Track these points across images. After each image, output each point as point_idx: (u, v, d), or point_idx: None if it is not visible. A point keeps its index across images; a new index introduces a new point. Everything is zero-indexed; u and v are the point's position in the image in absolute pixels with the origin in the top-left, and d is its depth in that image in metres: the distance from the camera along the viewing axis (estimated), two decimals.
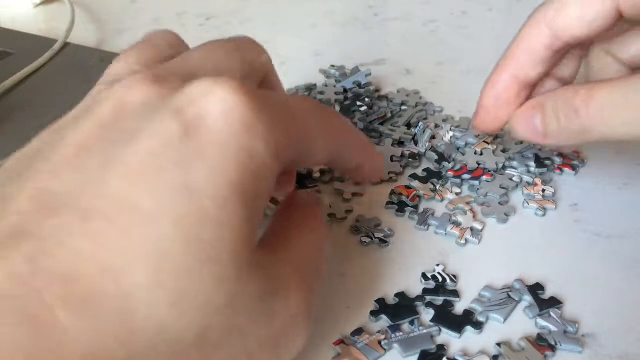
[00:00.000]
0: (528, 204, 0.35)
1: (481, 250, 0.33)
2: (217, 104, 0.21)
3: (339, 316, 0.29)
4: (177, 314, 0.18)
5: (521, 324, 0.29)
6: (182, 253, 0.19)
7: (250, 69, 0.27)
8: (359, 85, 0.44)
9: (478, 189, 0.36)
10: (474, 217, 0.34)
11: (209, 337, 0.19)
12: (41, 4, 0.62)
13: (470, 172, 0.37)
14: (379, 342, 0.28)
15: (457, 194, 0.36)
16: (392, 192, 0.36)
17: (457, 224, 0.34)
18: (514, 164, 0.37)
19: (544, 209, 0.35)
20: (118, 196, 0.19)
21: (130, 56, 0.25)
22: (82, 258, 0.18)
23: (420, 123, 0.41)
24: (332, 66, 0.47)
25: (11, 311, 0.17)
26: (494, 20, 0.59)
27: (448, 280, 0.31)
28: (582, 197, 0.36)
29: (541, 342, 0.28)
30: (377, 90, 0.45)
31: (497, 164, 0.37)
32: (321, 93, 0.43)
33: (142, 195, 0.19)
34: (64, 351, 0.17)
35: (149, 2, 0.63)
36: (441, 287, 0.30)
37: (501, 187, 0.36)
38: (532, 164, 0.37)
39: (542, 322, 0.29)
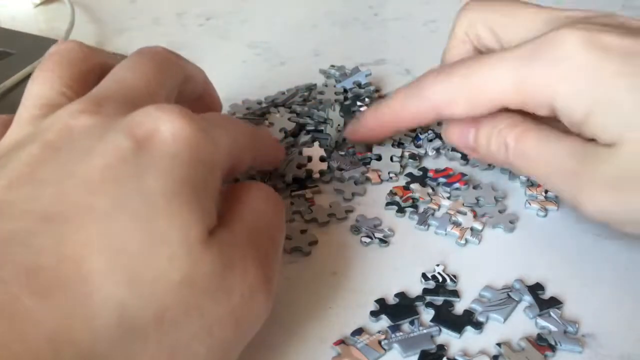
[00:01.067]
0: (530, 204, 0.35)
1: (481, 250, 0.33)
2: (165, 125, 0.23)
3: (339, 316, 0.29)
4: (133, 295, 0.20)
5: (521, 324, 0.29)
6: (136, 240, 0.20)
7: (177, 87, 0.30)
8: (359, 85, 0.44)
9: (457, 196, 0.36)
10: (474, 217, 0.34)
11: (167, 316, 0.20)
12: (41, 4, 0.62)
13: (448, 176, 0.37)
14: (379, 342, 0.28)
15: (447, 198, 0.36)
16: (390, 192, 0.36)
17: (457, 224, 0.34)
18: None
19: (546, 210, 0.35)
20: (75, 202, 0.21)
21: (51, 79, 0.27)
22: (43, 253, 0.20)
23: (430, 131, 0.40)
24: (332, 66, 0.47)
25: None
26: None
27: (448, 280, 0.31)
28: None
29: (541, 342, 0.28)
30: (377, 90, 0.45)
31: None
32: (321, 93, 0.43)
33: (99, 200, 0.21)
34: (31, 336, 0.18)
35: (148, 2, 0.63)
36: (441, 287, 0.30)
37: (496, 199, 0.35)
38: None
39: (542, 322, 0.29)
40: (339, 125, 0.39)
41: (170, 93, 0.29)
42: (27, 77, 0.46)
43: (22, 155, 0.22)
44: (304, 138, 0.39)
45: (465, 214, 0.34)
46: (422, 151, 0.39)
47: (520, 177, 0.37)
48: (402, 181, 0.37)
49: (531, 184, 0.36)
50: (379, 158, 0.38)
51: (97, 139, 0.22)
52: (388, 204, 0.35)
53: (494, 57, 0.30)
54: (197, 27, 0.58)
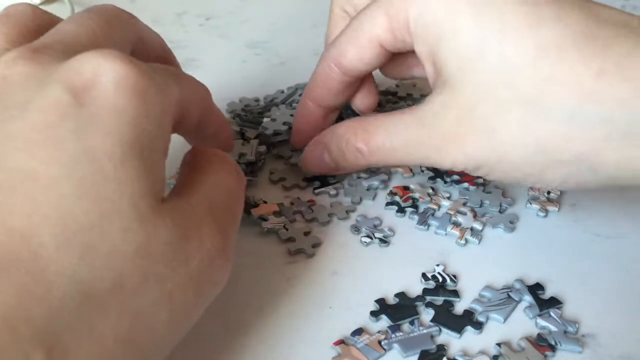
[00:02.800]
0: (530, 204, 0.35)
1: (481, 250, 0.33)
2: (107, 74, 0.21)
3: (338, 316, 0.29)
4: (87, 267, 0.19)
5: (521, 324, 0.29)
6: (85, 210, 0.20)
7: (128, 45, 0.29)
8: None
9: (464, 196, 0.36)
10: (474, 217, 0.34)
11: (125, 284, 0.20)
12: (41, 4, 0.62)
13: (462, 175, 0.37)
14: (379, 342, 0.28)
15: (447, 197, 0.36)
16: (390, 192, 0.36)
17: (457, 224, 0.34)
18: None
19: (546, 210, 0.35)
20: (18, 168, 0.20)
21: None
22: None
23: None
24: None
25: None
26: None
27: (448, 280, 0.31)
28: (582, 197, 0.36)
29: (541, 342, 0.28)
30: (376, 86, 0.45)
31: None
32: None
33: (42, 164, 0.20)
34: None
35: (148, 2, 0.63)
36: (441, 287, 0.30)
37: (501, 205, 0.35)
38: None
39: (542, 322, 0.29)
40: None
41: (118, 50, 0.25)
42: None
43: None
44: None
45: (465, 214, 0.34)
46: None
47: None
48: (425, 176, 0.37)
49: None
50: None
51: (34, 90, 0.21)
52: (388, 204, 0.35)
53: (371, 3, 0.31)
54: (197, 27, 0.58)
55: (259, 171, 0.38)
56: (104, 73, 0.21)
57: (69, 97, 0.21)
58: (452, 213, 0.34)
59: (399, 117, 0.31)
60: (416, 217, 0.34)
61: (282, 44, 0.54)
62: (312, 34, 0.56)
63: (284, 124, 0.40)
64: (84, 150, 0.20)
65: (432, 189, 0.36)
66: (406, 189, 0.36)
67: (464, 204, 0.35)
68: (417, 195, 0.36)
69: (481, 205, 0.35)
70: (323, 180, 0.37)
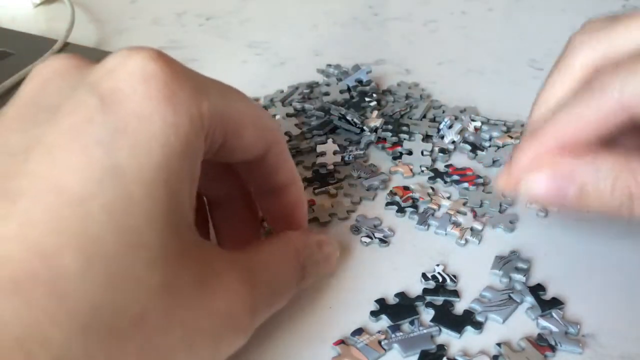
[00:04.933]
0: (531, 204, 0.35)
1: (482, 251, 0.33)
2: (134, 72, 0.20)
3: (339, 316, 0.29)
4: (110, 297, 0.18)
5: (521, 324, 0.29)
6: (112, 239, 0.19)
7: None
8: (361, 83, 0.44)
9: (465, 196, 0.36)
10: (474, 217, 0.34)
11: (148, 320, 0.19)
12: (41, 4, 0.62)
13: (463, 175, 0.37)
14: (379, 342, 0.28)
15: (448, 197, 0.36)
16: (390, 192, 0.36)
17: (457, 224, 0.34)
18: None
19: (546, 211, 0.35)
20: (43, 176, 0.19)
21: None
22: (10, 240, 0.18)
23: (446, 119, 0.41)
24: (329, 65, 0.47)
25: None
26: (494, 20, 0.59)
27: (448, 280, 0.31)
28: None
29: (541, 342, 0.28)
30: (381, 89, 0.45)
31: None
32: (326, 94, 0.43)
33: (67, 176, 0.19)
34: None
35: (148, 2, 0.63)
36: (441, 287, 0.30)
37: (501, 205, 0.35)
38: None
39: (543, 323, 0.28)
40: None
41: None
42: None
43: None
44: (318, 138, 0.40)
45: (465, 214, 0.34)
46: (451, 146, 0.39)
47: None
48: (425, 176, 0.37)
49: None
50: (409, 152, 0.39)
51: (66, 94, 0.20)
52: (388, 204, 0.35)
53: None
54: (197, 27, 0.58)
55: None
56: (133, 71, 0.20)
57: (96, 100, 0.20)
58: (452, 213, 0.34)
59: None
60: (416, 217, 0.34)
61: (282, 44, 0.54)
62: (312, 34, 0.57)
63: (286, 133, 0.40)
64: (112, 168, 0.19)
65: (432, 189, 0.36)
66: (406, 189, 0.36)
67: (464, 204, 0.35)
68: (417, 195, 0.36)
69: (481, 205, 0.35)
70: (323, 180, 0.37)
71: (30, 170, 0.19)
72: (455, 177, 0.37)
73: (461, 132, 0.40)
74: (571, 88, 0.27)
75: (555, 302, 0.29)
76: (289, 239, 0.27)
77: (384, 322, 0.29)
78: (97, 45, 0.55)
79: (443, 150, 0.39)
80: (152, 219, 0.19)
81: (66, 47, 0.51)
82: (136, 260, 0.19)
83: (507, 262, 0.31)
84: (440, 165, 0.38)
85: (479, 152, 0.39)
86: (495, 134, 0.40)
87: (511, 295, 0.30)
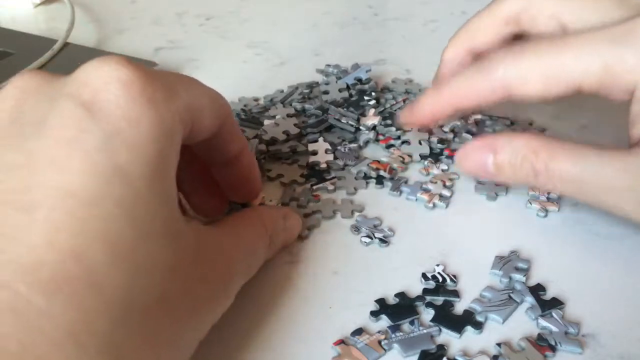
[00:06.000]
0: (531, 204, 0.35)
1: (482, 251, 0.33)
2: (110, 81, 0.22)
3: (339, 316, 0.29)
4: (138, 284, 0.21)
5: (521, 324, 0.29)
6: (129, 231, 0.21)
7: None
8: (360, 81, 0.44)
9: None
10: (444, 185, 0.36)
11: (169, 298, 0.22)
12: (41, 4, 0.62)
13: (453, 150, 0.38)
14: (379, 342, 0.28)
15: (443, 170, 0.38)
16: (368, 167, 0.38)
17: (426, 191, 0.36)
18: None
19: (546, 211, 0.35)
20: (54, 186, 0.20)
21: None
22: (40, 247, 0.19)
23: None
24: (328, 65, 0.47)
25: None
26: None
27: (448, 280, 0.31)
28: None
29: (541, 342, 0.28)
30: (381, 88, 0.45)
31: None
32: (325, 93, 0.43)
33: (77, 182, 0.20)
34: (49, 332, 0.18)
35: (149, 2, 0.63)
36: (441, 287, 0.30)
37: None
38: None
39: (543, 323, 0.28)
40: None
41: None
42: None
43: None
44: (312, 136, 0.40)
45: (436, 182, 0.36)
46: (450, 135, 0.40)
47: None
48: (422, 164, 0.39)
49: None
50: (407, 142, 0.40)
51: (45, 107, 0.22)
52: (366, 177, 0.37)
53: (581, 38, 0.30)
54: (197, 27, 0.58)
55: (260, 169, 0.38)
56: (110, 80, 0.22)
57: (82, 110, 0.21)
58: (426, 173, 0.37)
59: (595, 152, 0.29)
60: (390, 184, 0.36)
61: (282, 44, 0.54)
62: (312, 34, 0.57)
63: (284, 132, 0.40)
64: (116, 168, 0.21)
65: (402, 158, 0.38)
66: (380, 162, 0.38)
67: (450, 179, 0.37)
68: (395, 165, 0.38)
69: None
70: (320, 176, 0.37)
71: (40, 182, 0.20)
72: (446, 153, 0.39)
73: (463, 120, 0.41)
74: (489, 36, 0.36)
75: (555, 302, 0.29)
76: (256, 212, 0.31)
77: (384, 322, 0.29)
78: (97, 45, 0.55)
79: (442, 141, 0.40)
80: (157, 209, 0.22)
81: (66, 47, 0.51)
82: (150, 247, 0.21)
83: (507, 262, 0.31)
84: (436, 148, 0.40)
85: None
86: (498, 127, 0.41)
87: (511, 295, 0.30)
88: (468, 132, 0.41)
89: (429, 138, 0.40)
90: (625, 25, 0.29)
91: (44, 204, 0.20)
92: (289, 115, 0.41)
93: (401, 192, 0.36)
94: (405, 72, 0.49)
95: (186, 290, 0.23)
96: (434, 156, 0.39)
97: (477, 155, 0.32)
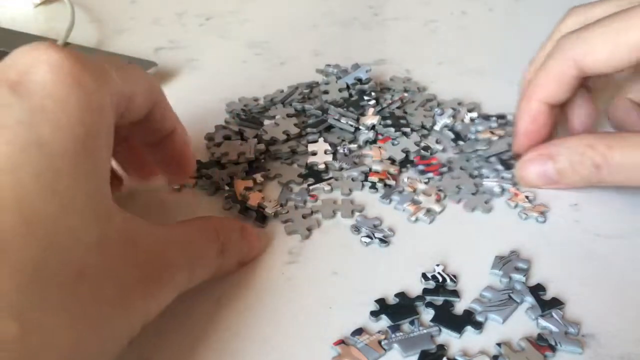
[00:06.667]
0: (527, 215, 0.35)
1: (482, 251, 0.33)
2: (40, 63, 0.22)
3: (338, 316, 0.29)
4: (52, 257, 0.20)
5: (521, 324, 0.29)
6: (45, 203, 0.21)
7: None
8: (360, 81, 0.44)
9: (439, 187, 0.37)
10: (437, 200, 0.35)
11: (87, 273, 0.21)
12: (41, 4, 0.62)
13: (428, 165, 0.38)
14: (379, 342, 0.28)
15: (425, 183, 0.37)
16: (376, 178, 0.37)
17: (415, 202, 0.35)
18: (484, 171, 0.38)
19: (543, 214, 0.35)
20: None
21: None
22: None
23: (436, 109, 0.42)
24: (328, 65, 0.47)
25: None
26: (494, 20, 0.59)
27: (448, 280, 0.31)
28: (582, 197, 0.36)
29: (541, 342, 0.28)
30: (380, 86, 0.46)
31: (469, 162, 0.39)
32: (325, 93, 0.43)
33: None
34: None
35: (148, 2, 0.63)
36: (441, 287, 0.30)
37: (476, 185, 0.36)
38: (500, 167, 0.38)
39: (543, 323, 0.28)
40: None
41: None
42: None
43: None
44: (311, 136, 0.40)
45: (430, 195, 0.36)
46: (439, 147, 0.40)
47: (501, 186, 0.36)
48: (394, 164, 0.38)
49: (503, 188, 0.36)
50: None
51: None
52: (369, 183, 0.37)
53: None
54: (197, 27, 0.58)
55: (259, 170, 0.38)
56: (37, 63, 0.22)
57: (6, 89, 0.22)
58: (412, 190, 0.36)
59: None
60: (382, 191, 0.36)
61: (282, 44, 0.54)
62: (312, 34, 0.56)
63: (284, 132, 0.40)
64: (37, 141, 0.21)
65: (392, 172, 0.38)
66: (377, 172, 0.38)
67: (438, 190, 0.36)
68: (392, 170, 0.37)
69: (458, 192, 0.36)
70: (317, 177, 0.37)
71: None
72: (421, 167, 0.38)
73: (454, 117, 0.41)
74: (563, 86, 0.35)
75: (555, 302, 0.29)
76: (208, 218, 0.30)
77: (384, 322, 0.29)
78: (97, 45, 0.55)
79: (426, 148, 0.39)
80: (79, 185, 0.22)
81: (66, 47, 0.51)
82: (71, 222, 0.21)
83: (507, 262, 0.31)
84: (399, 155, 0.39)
85: (460, 142, 0.40)
86: (481, 128, 0.41)
87: (511, 295, 0.30)
88: (451, 129, 0.41)
89: (420, 141, 0.40)
90: None
91: None
92: (289, 115, 0.41)
93: (391, 200, 0.36)
94: (405, 72, 0.49)
95: (112, 270, 0.22)
96: (405, 163, 0.38)
97: (535, 166, 0.35)
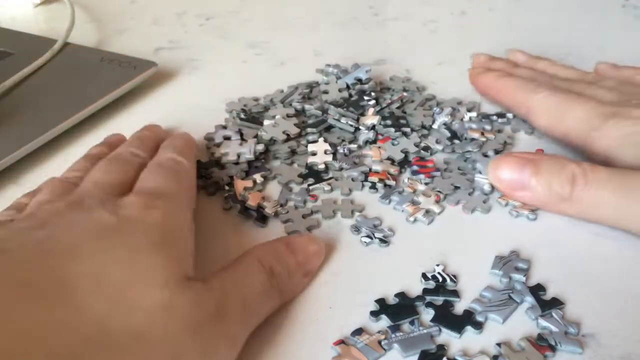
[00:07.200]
0: (518, 212, 0.35)
1: (482, 251, 0.33)
2: (136, 212, 0.27)
3: (339, 316, 0.29)
4: (115, 313, 0.23)
5: (521, 324, 0.29)
6: (120, 273, 0.24)
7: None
8: (360, 81, 0.44)
9: (434, 188, 0.37)
10: (437, 201, 0.35)
11: (148, 337, 0.23)
12: (41, 4, 0.62)
13: (422, 167, 0.38)
14: (379, 342, 0.28)
15: (426, 184, 0.37)
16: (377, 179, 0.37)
17: (414, 203, 0.35)
18: (478, 165, 0.38)
19: (534, 212, 0.35)
20: (71, 243, 0.25)
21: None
22: (30, 269, 0.24)
23: (436, 108, 0.43)
24: (328, 65, 0.47)
25: None
26: (494, 20, 0.59)
27: (448, 280, 0.31)
28: None
29: (541, 342, 0.28)
30: (380, 85, 0.46)
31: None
32: (325, 92, 0.43)
33: (86, 244, 0.25)
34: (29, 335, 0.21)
35: (148, 2, 0.63)
36: (441, 287, 0.30)
37: (469, 180, 0.37)
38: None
39: (543, 323, 0.28)
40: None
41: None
42: (27, 77, 0.46)
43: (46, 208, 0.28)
44: (311, 136, 0.40)
45: (429, 196, 0.36)
46: (439, 147, 0.40)
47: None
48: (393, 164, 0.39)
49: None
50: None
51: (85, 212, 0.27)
52: (369, 183, 0.37)
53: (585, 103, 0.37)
54: (197, 27, 0.58)
55: (259, 170, 0.38)
56: (134, 209, 0.28)
57: (114, 217, 0.27)
58: (412, 190, 0.36)
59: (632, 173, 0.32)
60: (382, 191, 0.36)
61: (282, 44, 0.54)
62: (312, 34, 0.57)
63: (284, 132, 0.40)
64: (122, 243, 0.25)
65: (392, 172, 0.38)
66: (377, 172, 0.38)
67: (434, 189, 0.36)
68: (392, 170, 0.37)
69: (455, 190, 0.36)
70: (317, 177, 0.37)
71: (63, 239, 0.26)
72: (415, 168, 0.38)
73: (452, 116, 0.42)
74: None
75: (555, 302, 0.29)
76: (252, 250, 0.30)
77: (384, 322, 0.29)
78: (97, 45, 0.55)
79: (426, 148, 0.40)
80: (156, 264, 0.25)
81: (66, 47, 0.51)
82: (140, 286, 0.24)
83: (507, 262, 0.32)
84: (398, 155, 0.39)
85: (456, 141, 0.40)
86: (474, 126, 0.41)
87: (511, 295, 0.30)
88: (448, 128, 0.41)
89: (420, 142, 0.40)
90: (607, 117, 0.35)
91: (57, 251, 0.24)
92: (289, 115, 0.41)
93: (390, 200, 0.36)
94: (405, 72, 0.49)
95: (172, 336, 0.23)
96: (404, 163, 0.38)
97: (512, 164, 0.34)
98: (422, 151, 0.39)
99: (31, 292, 0.22)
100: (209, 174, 0.37)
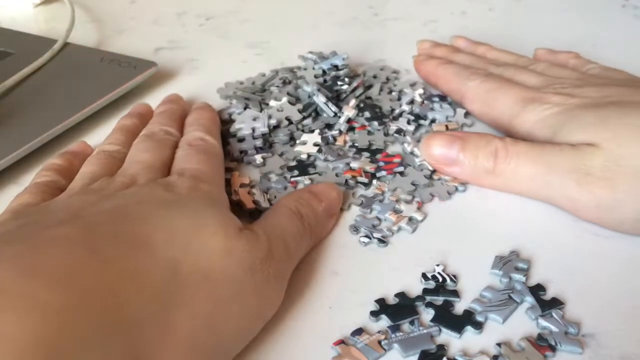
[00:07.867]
0: (448, 185, 0.37)
1: (482, 251, 0.33)
2: (187, 183, 0.32)
3: (339, 316, 0.29)
4: (187, 256, 0.26)
5: (521, 324, 0.29)
6: (186, 225, 0.27)
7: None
8: (336, 68, 0.45)
9: (394, 187, 0.37)
10: (418, 208, 0.35)
11: (212, 275, 0.26)
12: (41, 4, 0.62)
13: (388, 163, 0.38)
14: (379, 342, 0.28)
15: (387, 183, 0.37)
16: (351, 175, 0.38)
17: (397, 212, 0.35)
18: (415, 150, 0.39)
19: (464, 184, 0.37)
20: (143, 210, 0.28)
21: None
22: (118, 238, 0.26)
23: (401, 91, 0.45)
24: (311, 52, 0.47)
25: None
26: (494, 20, 0.59)
27: (448, 280, 0.31)
28: None
29: (541, 342, 0.28)
30: (355, 75, 0.46)
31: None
32: (301, 78, 0.44)
33: (154, 210, 0.28)
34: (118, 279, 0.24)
35: (148, 2, 0.63)
36: (441, 287, 0.30)
37: (426, 177, 0.37)
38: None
39: (543, 323, 0.28)
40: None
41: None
42: (27, 77, 0.46)
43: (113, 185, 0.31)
44: (313, 125, 0.41)
45: (410, 202, 0.36)
46: (410, 127, 0.41)
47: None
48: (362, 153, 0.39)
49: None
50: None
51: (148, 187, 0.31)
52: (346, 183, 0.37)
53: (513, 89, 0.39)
54: (197, 27, 0.58)
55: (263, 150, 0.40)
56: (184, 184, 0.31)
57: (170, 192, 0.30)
58: (394, 199, 0.36)
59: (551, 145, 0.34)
60: (363, 200, 0.36)
61: (282, 44, 0.54)
62: (312, 34, 0.57)
63: (287, 118, 0.41)
64: (182, 206, 0.29)
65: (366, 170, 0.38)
66: (352, 169, 0.38)
67: (394, 190, 0.37)
68: (367, 168, 0.38)
69: (415, 190, 0.37)
70: (302, 170, 0.38)
71: (136, 208, 0.29)
72: (381, 163, 0.38)
73: (412, 103, 0.43)
74: None
75: (555, 302, 0.29)
76: (282, 201, 0.33)
77: (384, 322, 0.29)
78: (97, 45, 0.55)
79: (399, 131, 0.41)
80: (215, 216, 0.29)
81: (66, 47, 0.51)
82: (204, 233, 0.27)
83: (507, 262, 0.32)
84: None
85: (421, 121, 0.42)
86: (438, 116, 0.42)
87: (511, 295, 0.30)
88: (411, 112, 0.43)
89: (388, 128, 0.41)
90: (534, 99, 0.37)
91: (132, 215, 0.27)
92: (290, 103, 0.42)
93: (372, 210, 0.35)
94: (405, 72, 0.49)
95: (232, 275, 0.27)
96: (372, 153, 0.39)
97: (442, 140, 0.37)
98: (395, 134, 0.41)
99: (121, 243, 0.25)
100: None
